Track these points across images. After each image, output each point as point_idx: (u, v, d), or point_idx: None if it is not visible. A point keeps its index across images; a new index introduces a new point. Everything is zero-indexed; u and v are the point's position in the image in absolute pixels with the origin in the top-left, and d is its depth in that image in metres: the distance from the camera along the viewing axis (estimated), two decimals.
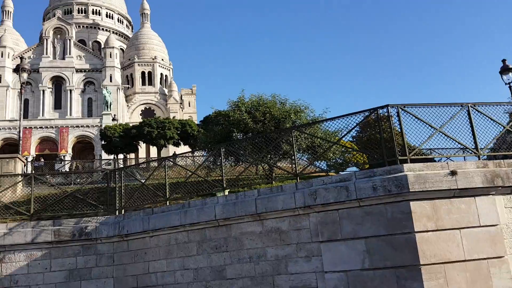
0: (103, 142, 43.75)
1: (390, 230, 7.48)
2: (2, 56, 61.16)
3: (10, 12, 73.18)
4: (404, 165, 7.67)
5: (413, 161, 8.04)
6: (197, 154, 14.96)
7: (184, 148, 48.88)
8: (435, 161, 9.83)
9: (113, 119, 47.05)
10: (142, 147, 48.32)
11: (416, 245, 7.24)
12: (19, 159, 18.76)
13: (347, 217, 7.85)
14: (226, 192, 11.43)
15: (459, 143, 8.66)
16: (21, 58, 21.85)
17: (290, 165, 12.77)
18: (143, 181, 10.93)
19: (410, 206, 7.40)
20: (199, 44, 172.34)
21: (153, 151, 60.29)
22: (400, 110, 8.18)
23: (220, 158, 10.11)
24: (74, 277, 10.10)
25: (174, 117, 55.09)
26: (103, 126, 56.88)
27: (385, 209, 7.58)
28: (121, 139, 42.01)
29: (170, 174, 11.35)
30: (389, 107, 8.21)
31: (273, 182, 11.98)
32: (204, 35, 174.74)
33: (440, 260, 7.25)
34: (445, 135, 8.49)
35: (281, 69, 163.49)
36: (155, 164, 11.29)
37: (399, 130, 8.30)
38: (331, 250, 7.92)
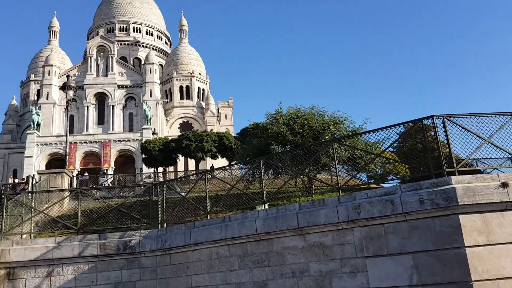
0: (143, 156, 44.95)
1: (439, 245, 7.19)
2: (49, 74, 64.47)
3: (56, 32, 77.31)
4: (452, 177, 7.37)
5: (460, 173, 7.72)
6: (235, 167, 15.07)
7: (221, 161, 49.41)
8: (483, 172, 9.41)
9: (153, 133, 48.36)
10: (180, 160, 49.22)
11: (466, 260, 6.92)
12: (66, 173, 19.60)
13: (393, 231, 7.61)
14: (266, 206, 11.42)
15: (509, 153, 8.26)
16: (67, 76, 22.84)
17: (329, 177, 12.62)
18: (183, 194, 11.07)
19: (460, 220, 7.09)
20: (235, 57, 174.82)
21: (191, 164, 61.33)
22: (446, 120, 7.90)
23: (260, 171, 10.09)
24: None
25: (211, 130, 55.84)
26: (144, 140, 58.55)
27: (433, 223, 7.30)
28: (161, 153, 43.05)
29: (210, 187, 11.47)
30: (434, 118, 7.95)
31: (313, 195, 11.84)
32: (240, 48, 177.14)
33: (493, 276, 6.90)
34: (495, 145, 8.12)
35: (318, 81, 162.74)
36: (194, 177, 11.41)
37: (445, 141, 8.02)
38: (377, 265, 7.69)
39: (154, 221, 11.16)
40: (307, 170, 10.70)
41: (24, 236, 11.72)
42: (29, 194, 13.13)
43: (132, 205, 11.69)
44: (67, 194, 12.30)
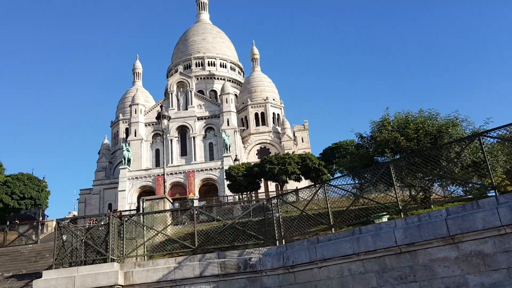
0: (228, 182, 45.44)
1: None
2: (135, 113, 68.87)
3: (140, 73, 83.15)
4: None
5: None
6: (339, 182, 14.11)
7: (305, 183, 48.31)
8: None
9: (235, 160, 48.86)
10: (260, 185, 49.05)
11: None
12: (167, 199, 20.00)
13: None
14: (385, 219, 10.34)
15: None
16: (161, 106, 23.82)
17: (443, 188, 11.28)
18: (301, 208, 10.38)
19: None
20: (306, 81, 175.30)
21: (271, 188, 61.14)
22: None
23: (391, 177, 9.06)
24: None
25: (293, 152, 55.23)
26: (225, 167, 59.68)
27: None
28: (245, 178, 43.24)
29: (321, 204, 10.71)
30: None
31: (431, 206, 10.47)
32: (310, 71, 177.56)
33: None
34: None
35: (394, 97, 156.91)
36: (308, 191, 10.70)
37: None
38: None
39: (271, 237, 10.57)
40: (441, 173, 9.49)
41: (138, 258, 11.73)
42: (140, 217, 13.29)
43: (247, 222, 11.23)
44: (182, 214, 12.13)
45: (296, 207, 10.49)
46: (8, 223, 39.59)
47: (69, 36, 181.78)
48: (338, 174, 47.02)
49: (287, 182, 45.21)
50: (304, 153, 58.33)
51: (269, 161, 42.62)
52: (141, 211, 18.30)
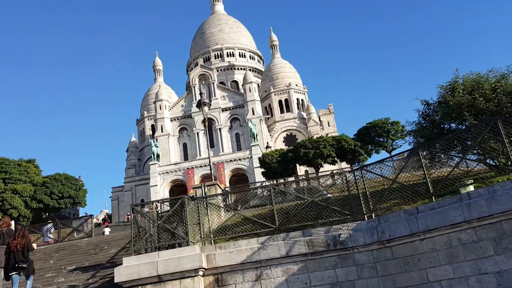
0: (262, 170, 44.88)
1: None
2: (160, 109, 68.82)
3: (160, 70, 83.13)
4: None
5: None
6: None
7: (342, 165, 47.39)
8: None
9: (267, 147, 48.26)
10: (296, 170, 48.32)
11: None
12: (218, 186, 19.54)
13: None
14: (471, 188, 9.52)
15: None
16: (200, 93, 23.26)
17: None
18: (390, 178, 9.64)
19: None
20: (327, 64, 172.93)
21: (302, 173, 60.41)
22: None
23: (500, 134, 8.20)
24: None
25: (320, 136, 54.23)
26: (254, 156, 59.21)
27: None
28: (279, 164, 42.58)
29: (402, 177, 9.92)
30: None
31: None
32: (330, 54, 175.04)
33: None
34: None
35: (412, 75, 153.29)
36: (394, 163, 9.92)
37: None
38: None
39: (358, 212, 9.87)
40: None
41: (215, 241, 11.11)
42: (219, 197, 12.82)
43: (326, 199, 10.54)
44: (260, 191, 11.46)
45: (386, 177, 9.72)
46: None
47: (89, 39, 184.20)
48: (375, 156, 45.82)
49: (322, 166, 44.36)
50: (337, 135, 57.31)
51: (303, 146, 41.80)
52: (202, 195, 17.91)
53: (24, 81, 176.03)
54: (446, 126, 13.97)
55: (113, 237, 18.51)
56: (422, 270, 8.51)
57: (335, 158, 43.05)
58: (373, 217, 9.70)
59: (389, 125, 41.97)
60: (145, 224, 10.53)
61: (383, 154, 44.87)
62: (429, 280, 8.38)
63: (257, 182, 50.27)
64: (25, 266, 9.27)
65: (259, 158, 45.33)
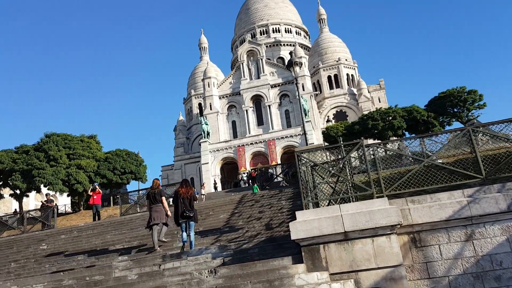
0: (326, 144, 42.94)
1: None
2: (208, 86, 67.57)
3: (206, 48, 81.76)
4: None
5: None
6: None
7: None
8: None
9: (327, 121, 46.13)
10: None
11: None
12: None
13: None
14: None
15: None
16: (290, 53, 21.48)
17: None
18: None
19: None
20: (377, 37, 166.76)
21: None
22: None
23: None
24: None
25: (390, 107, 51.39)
26: (307, 133, 57.16)
27: None
28: (344, 138, 40.51)
29: None
30: None
31: None
32: (381, 25, 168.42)
33: None
34: None
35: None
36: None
37: None
38: None
39: None
40: None
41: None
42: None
43: None
44: (456, 133, 9.41)
45: None
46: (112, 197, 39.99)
47: (140, 21, 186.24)
48: (448, 128, 42.81)
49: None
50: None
51: (371, 117, 39.51)
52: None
53: (87, 63, 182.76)
54: None
55: (214, 204, 17.23)
56: None
57: (404, 131, 40.53)
58: None
59: (466, 94, 38.77)
60: (309, 177, 8.88)
61: (456, 126, 41.84)
62: None
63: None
64: (191, 215, 10.11)
65: (323, 132, 43.30)
